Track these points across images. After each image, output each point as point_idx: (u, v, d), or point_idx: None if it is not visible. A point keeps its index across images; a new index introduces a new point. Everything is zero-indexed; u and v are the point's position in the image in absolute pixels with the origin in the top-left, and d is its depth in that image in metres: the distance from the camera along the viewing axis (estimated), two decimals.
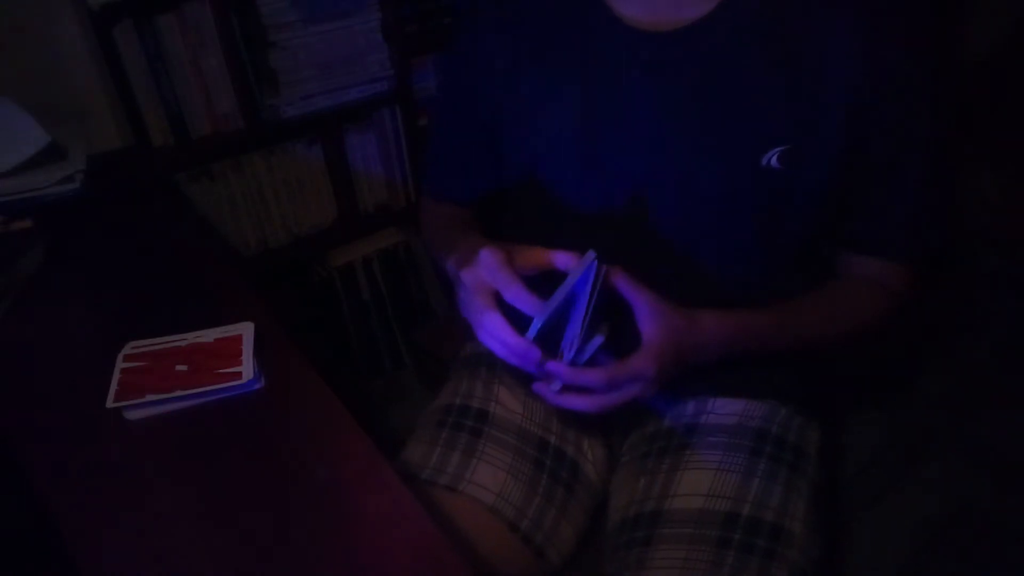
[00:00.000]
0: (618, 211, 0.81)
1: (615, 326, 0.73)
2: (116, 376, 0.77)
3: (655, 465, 0.85)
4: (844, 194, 0.78)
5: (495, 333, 0.69)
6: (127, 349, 0.80)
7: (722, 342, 0.75)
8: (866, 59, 0.71)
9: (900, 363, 1.47)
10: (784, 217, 0.78)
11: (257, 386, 0.76)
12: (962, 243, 1.59)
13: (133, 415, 0.74)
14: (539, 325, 0.67)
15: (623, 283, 0.70)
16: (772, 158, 0.74)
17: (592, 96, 0.78)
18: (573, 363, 0.70)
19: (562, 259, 0.71)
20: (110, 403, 0.74)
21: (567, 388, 0.71)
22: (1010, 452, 1.35)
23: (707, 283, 0.82)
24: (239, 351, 0.79)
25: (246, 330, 0.81)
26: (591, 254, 0.68)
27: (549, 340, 0.70)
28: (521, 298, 0.68)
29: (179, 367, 0.77)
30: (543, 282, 0.71)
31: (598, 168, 0.80)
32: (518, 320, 0.69)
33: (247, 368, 0.76)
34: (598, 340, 0.72)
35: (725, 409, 0.87)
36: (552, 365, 0.69)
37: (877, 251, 0.82)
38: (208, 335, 0.82)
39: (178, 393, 0.74)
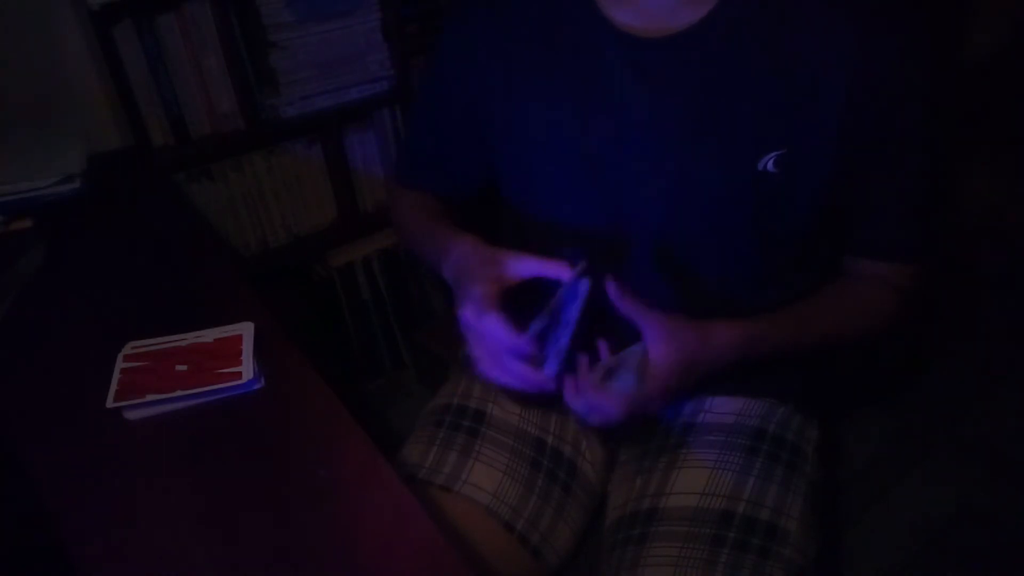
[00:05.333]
0: (615, 216, 0.81)
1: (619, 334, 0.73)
2: (116, 376, 0.77)
3: (652, 464, 0.85)
4: (843, 198, 0.78)
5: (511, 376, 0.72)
6: (127, 349, 0.81)
7: (735, 352, 0.75)
8: (861, 63, 0.71)
9: (900, 362, 1.47)
10: (781, 221, 0.78)
11: (257, 386, 0.77)
12: (962, 243, 1.59)
13: (133, 415, 0.75)
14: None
15: (626, 306, 0.70)
16: (768, 162, 0.74)
17: (587, 103, 0.78)
18: (558, 372, 0.71)
19: (555, 270, 0.73)
20: (110, 403, 0.74)
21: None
22: (1010, 452, 1.35)
23: (706, 287, 0.82)
24: (239, 351, 0.79)
25: (246, 330, 0.82)
26: (574, 272, 0.70)
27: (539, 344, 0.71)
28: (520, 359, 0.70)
29: (179, 367, 0.78)
30: (535, 288, 0.72)
31: (594, 174, 0.80)
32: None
33: (247, 368, 0.77)
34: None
35: (723, 408, 0.87)
36: (571, 389, 0.72)
37: (883, 254, 0.82)
38: (208, 335, 0.82)
39: (178, 393, 0.75)
